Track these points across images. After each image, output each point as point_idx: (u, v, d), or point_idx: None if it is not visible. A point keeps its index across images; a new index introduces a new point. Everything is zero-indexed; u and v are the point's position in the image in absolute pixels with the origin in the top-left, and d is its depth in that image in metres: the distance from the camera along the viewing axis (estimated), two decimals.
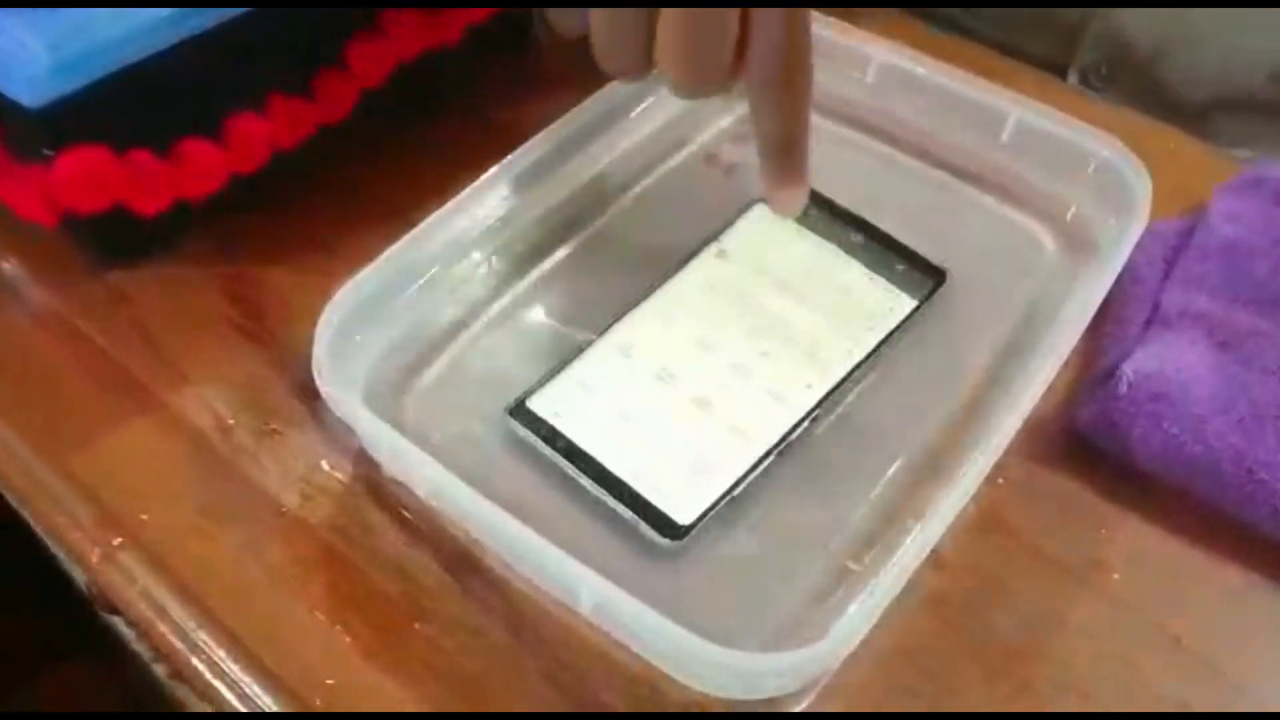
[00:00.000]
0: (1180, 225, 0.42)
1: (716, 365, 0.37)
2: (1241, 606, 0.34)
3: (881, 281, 0.39)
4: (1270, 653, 0.33)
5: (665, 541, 0.33)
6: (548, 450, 0.34)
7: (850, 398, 0.37)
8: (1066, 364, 0.35)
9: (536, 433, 0.35)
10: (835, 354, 0.37)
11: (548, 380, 0.36)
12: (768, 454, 0.35)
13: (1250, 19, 0.50)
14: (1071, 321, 0.35)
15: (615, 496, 0.33)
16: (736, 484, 0.34)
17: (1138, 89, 0.52)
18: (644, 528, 0.33)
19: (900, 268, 0.40)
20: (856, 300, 0.39)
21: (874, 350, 0.38)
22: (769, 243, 0.40)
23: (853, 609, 0.29)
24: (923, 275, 0.40)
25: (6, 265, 0.42)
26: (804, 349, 0.37)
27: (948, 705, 0.31)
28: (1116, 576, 0.34)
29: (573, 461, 0.34)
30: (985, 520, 0.35)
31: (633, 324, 0.38)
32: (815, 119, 0.35)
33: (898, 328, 0.38)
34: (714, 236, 0.41)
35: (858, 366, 0.37)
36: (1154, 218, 0.39)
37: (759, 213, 0.41)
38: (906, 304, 0.39)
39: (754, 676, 0.29)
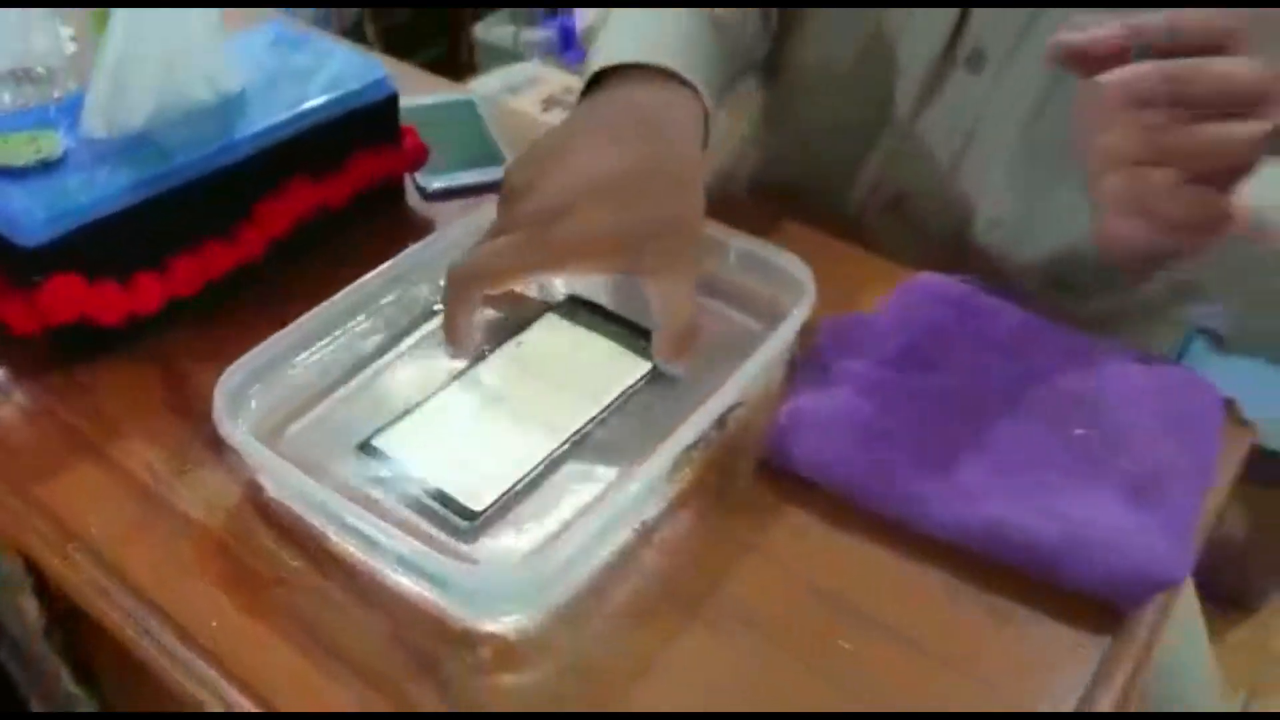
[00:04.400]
0: (853, 318, 0.58)
1: (514, 410, 0.52)
2: (870, 565, 0.48)
3: (630, 354, 0.55)
4: (890, 592, 0.47)
5: (465, 523, 0.47)
6: (385, 471, 0.49)
7: (600, 428, 0.52)
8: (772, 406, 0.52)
9: (375, 458, 0.49)
10: (593, 398, 0.53)
11: (392, 424, 0.51)
12: (542, 463, 0.50)
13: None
14: (744, 370, 0.50)
15: (433, 498, 0.48)
16: (518, 483, 0.49)
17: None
18: (450, 515, 0.47)
19: (643, 344, 0.56)
20: (611, 365, 0.55)
21: (619, 396, 0.53)
22: (553, 334, 0.57)
23: (576, 547, 0.43)
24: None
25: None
26: (574, 395, 0.53)
27: (652, 625, 0.45)
28: (762, 543, 0.48)
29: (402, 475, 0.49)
30: (695, 512, 0.50)
31: (455, 389, 0.53)
32: None
33: (636, 382, 0.54)
34: (516, 334, 0.56)
35: (606, 407, 0.53)
36: (835, 312, 0.56)
37: (548, 320, 0.57)
38: (645, 366, 0.55)
39: (485, 590, 0.44)
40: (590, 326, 0.57)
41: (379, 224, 0.67)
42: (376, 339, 0.57)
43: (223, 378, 0.49)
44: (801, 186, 0.76)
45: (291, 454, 0.50)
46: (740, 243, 0.59)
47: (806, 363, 0.56)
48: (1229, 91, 0.37)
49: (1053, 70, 0.59)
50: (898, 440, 0.51)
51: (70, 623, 0.62)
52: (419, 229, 0.66)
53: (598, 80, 0.57)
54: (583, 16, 0.64)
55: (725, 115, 0.81)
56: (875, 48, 0.67)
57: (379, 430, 0.51)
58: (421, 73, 0.86)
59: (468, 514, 0.47)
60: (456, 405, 0.53)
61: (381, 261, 0.57)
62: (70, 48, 0.80)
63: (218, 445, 0.51)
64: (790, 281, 0.57)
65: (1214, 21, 0.38)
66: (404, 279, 0.58)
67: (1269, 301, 0.50)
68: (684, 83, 0.56)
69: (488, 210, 0.56)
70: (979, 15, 0.62)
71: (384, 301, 0.57)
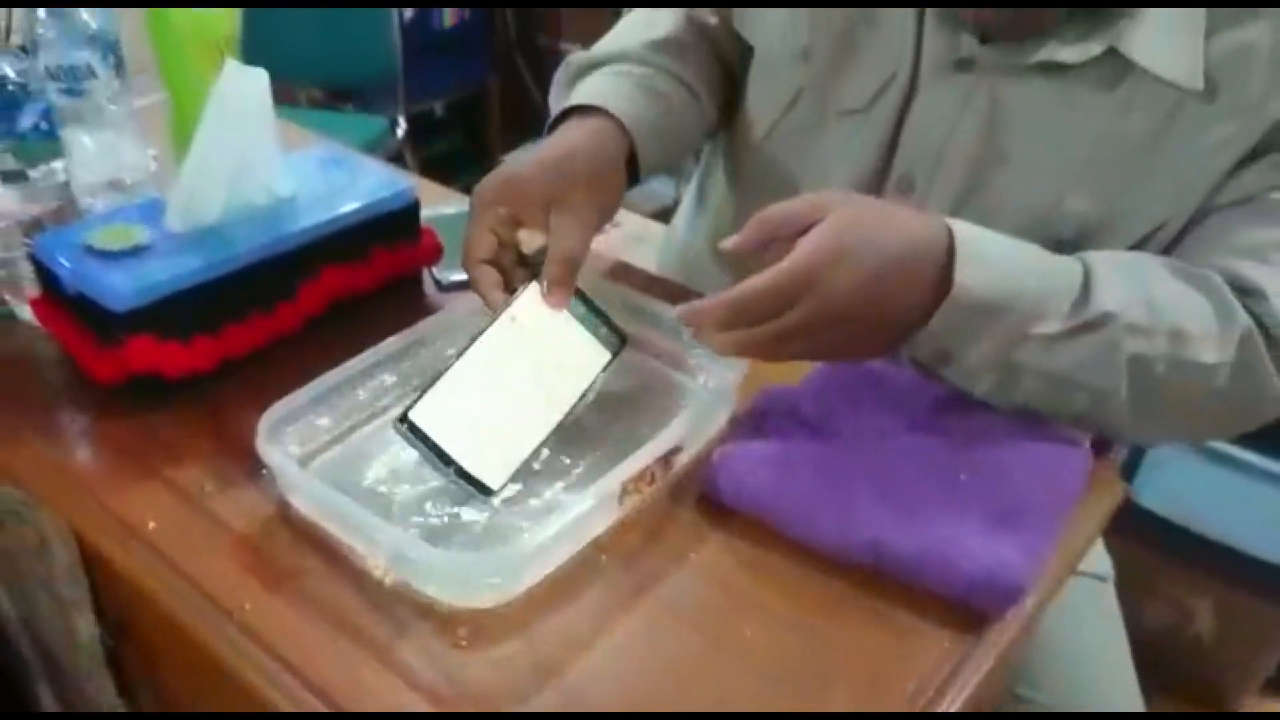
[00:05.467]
0: (783, 387, 0.70)
1: (511, 390, 0.64)
2: (779, 575, 0.59)
3: (595, 341, 0.68)
4: (793, 595, 0.57)
5: (482, 498, 0.60)
6: (417, 443, 0.60)
7: (572, 453, 0.65)
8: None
9: (415, 434, 0.60)
10: (571, 385, 0.66)
11: (422, 397, 0.61)
12: (537, 448, 0.63)
13: None
14: (679, 420, 0.62)
15: (459, 476, 0.60)
16: (521, 466, 0.62)
17: None
18: (471, 490, 0.60)
19: (604, 330, 0.68)
20: (581, 351, 0.67)
21: (589, 385, 0.66)
22: (537, 309, 0.67)
23: (536, 547, 0.54)
24: (618, 341, 0.69)
25: (84, 416, 0.70)
26: (554, 381, 0.65)
27: (595, 614, 0.55)
28: (694, 555, 0.59)
29: (431, 450, 0.60)
30: (642, 531, 0.61)
31: (469, 360, 0.64)
32: None
33: (600, 371, 0.67)
34: (507, 305, 0.66)
35: (580, 396, 0.66)
36: (769, 382, 0.68)
37: (533, 289, 0.67)
38: (606, 356, 0.68)
39: (461, 581, 0.55)
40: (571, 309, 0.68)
41: (400, 307, 0.80)
42: (390, 393, 0.70)
43: (265, 415, 0.61)
44: None
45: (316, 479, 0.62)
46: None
47: (742, 419, 0.68)
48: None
49: (960, 192, 0.74)
50: (805, 479, 0.62)
51: (118, 638, 0.74)
52: (432, 312, 0.79)
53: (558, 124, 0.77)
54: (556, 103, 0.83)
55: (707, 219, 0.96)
56: (812, 172, 0.80)
57: (413, 405, 0.61)
58: (449, 191, 1.01)
59: (485, 490, 0.60)
60: (470, 379, 0.63)
61: (397, 330, 0.70)
62: (153, 165, 0.96)
63: (254, 472, 0.63)
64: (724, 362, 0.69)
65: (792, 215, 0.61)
66: (417, 345, 0.71)
67: (1008, 369, 0.63)
68: (615, 122, 0.75)
69: None
70: (906, 148, 0.76)
71: (398, 363, 0.70)
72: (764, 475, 0.62)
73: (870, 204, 0.62)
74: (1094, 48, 0.66)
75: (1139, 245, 0.71)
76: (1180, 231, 0.70)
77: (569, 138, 0.74)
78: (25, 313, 0.77)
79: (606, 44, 0.85)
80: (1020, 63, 0.69)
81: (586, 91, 0.78)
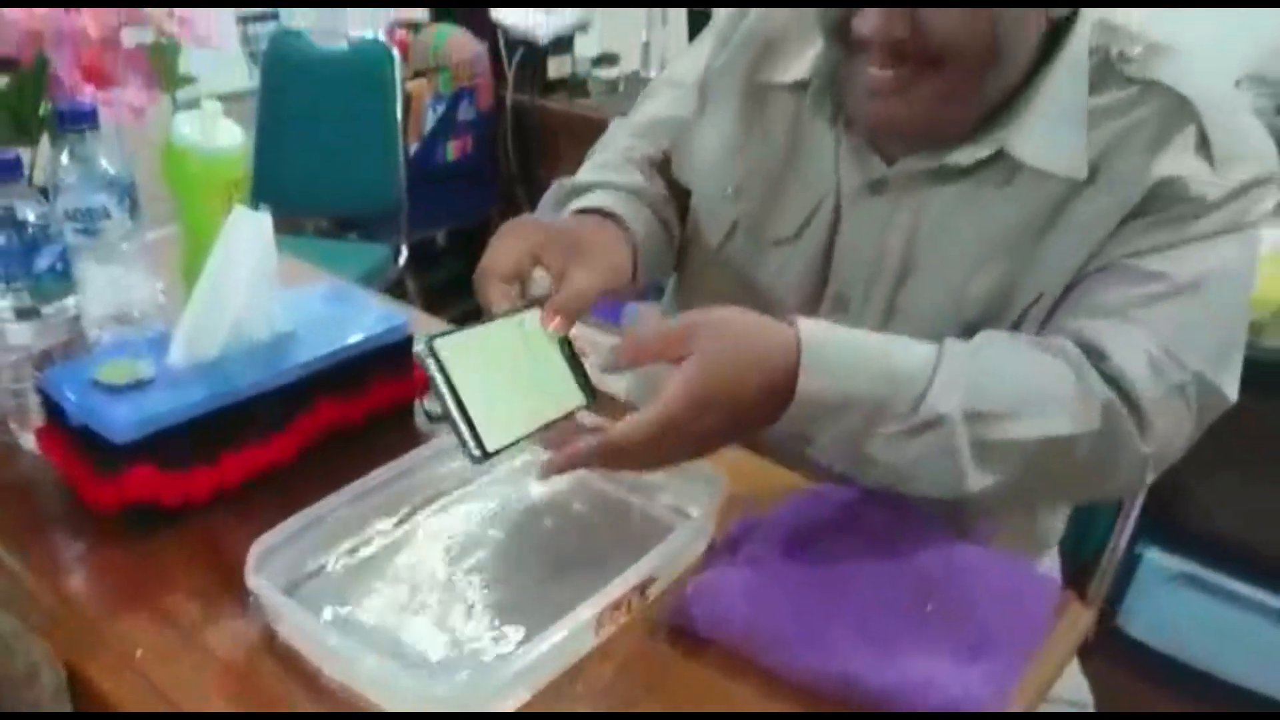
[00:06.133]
0: (759, 515, 0.72)
1: (513, 376, 0.66)
2: (740, 704, 0.60)
3: (573, 386, 0.69)
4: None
5: (478, 455, 0.61)
6: (435, 372, 0.61)
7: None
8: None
9: (437, 365, 0.61)
10: (555, 403, 0.67)
11: (454, 333, 0.64)
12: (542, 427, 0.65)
13: None
14: (651, 554, 0.64)
15: (463, 421, 0.61)
16: (512, 443, 0.63)
17: None
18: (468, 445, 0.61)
19: (581, 380, 0.69)
20: (561, 385, 0.68)
21: (560, 416, 0.67)
22: (536, 325, 0.69)
23: (511, 673, 0.56)
24: (590, 396, 0.70)
25: (80, 543, 0.72)
26: (540, 393, 0.67)
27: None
28: (668, 686, 0.61)
29: (445, 383, 0.61)
30: (616, 661, 0.62)
31: (495, 326, 0.66)
32: None
33: (574, 409, 0.68)
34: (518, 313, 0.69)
35: (549, 423, 0.66)
36: (745, 512, 0.70)
37: (536, 311, 0.69)
38: (582, 400, 0.69)
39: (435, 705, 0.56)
40: (551, 338, 0.70)
41: (390, 437, 0.82)
42: (379, 522, 0.72)
43: (254, 546, 0.64)
44: None
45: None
46: None
47: (719, 547, 0.70)
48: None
49: (889, 300, 0.80)
50: (779, 609, 0.64)
51: None
52: (421, 443, 0.82)
53: None
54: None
55: None
56: (755, 296, 0.85)
57: (446, 334, 0.63)
58: (443, 323, 1.05)
59: (480, 449, 0.61)
60: (481, 349, 0.65)
61: (386, 459, 0.72)
62: (161, 299, 1.00)
63: (244, 600, 0.65)
64: (707, 484, 0.72)
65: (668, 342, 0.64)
66: (405, 475, 0.73)
67: (858, 458, 0.68)
68: (627, 231, 0.81)
69: None
70: (838, 268, 0.82)
71: (387, 493, 0.72)
72: (738, 605, 0.64)
73: (730, 330, 0.65)
74: (983, 150, 0.74)
75: (1021, 319, 0.75)
76: (1056, 301, 0.75)
77: (590, 220, 0.80)
78: (29, 441, 0.80)
79: (593, 173, 0.90)
80: (923, 169, 0.76)
81: (595, 201, 0.83)
